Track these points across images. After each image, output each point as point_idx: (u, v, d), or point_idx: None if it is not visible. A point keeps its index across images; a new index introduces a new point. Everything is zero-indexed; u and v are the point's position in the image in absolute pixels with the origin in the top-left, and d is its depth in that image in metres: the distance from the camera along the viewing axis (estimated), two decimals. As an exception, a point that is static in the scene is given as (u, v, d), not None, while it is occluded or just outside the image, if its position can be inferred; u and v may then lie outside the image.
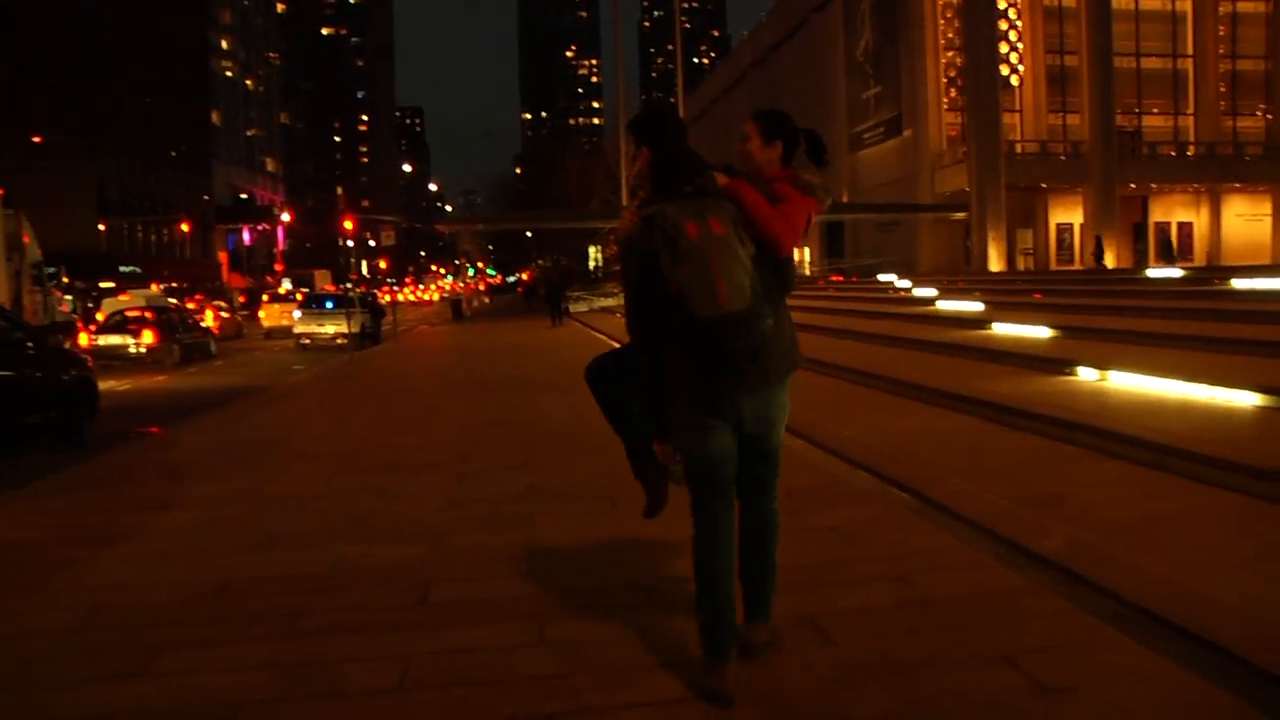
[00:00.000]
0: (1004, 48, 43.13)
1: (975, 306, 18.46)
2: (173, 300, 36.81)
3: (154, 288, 46.32)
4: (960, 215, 42.77)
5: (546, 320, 34.36)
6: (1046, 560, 4.90)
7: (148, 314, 25.92)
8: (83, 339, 24.71)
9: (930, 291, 23.71)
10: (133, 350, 24.16)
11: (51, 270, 25.97)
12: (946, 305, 19.91)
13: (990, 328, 15.13)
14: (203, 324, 30.30)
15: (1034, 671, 3.68)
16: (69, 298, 34.36)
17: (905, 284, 28.81)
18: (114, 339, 24.45)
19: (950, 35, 44.87)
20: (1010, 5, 43.47)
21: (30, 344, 11.06)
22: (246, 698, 3.79)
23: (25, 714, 3.79)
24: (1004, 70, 43.06)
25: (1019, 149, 44.11)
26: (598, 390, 4.48)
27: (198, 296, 53.63)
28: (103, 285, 50.76)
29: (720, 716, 3.46)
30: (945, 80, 45.02)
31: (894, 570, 4.93)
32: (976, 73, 41.38)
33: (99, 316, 29.88)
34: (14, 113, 58.65)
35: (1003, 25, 42.97)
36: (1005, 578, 4.77)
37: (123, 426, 12.77)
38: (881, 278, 35.26)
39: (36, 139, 58.38)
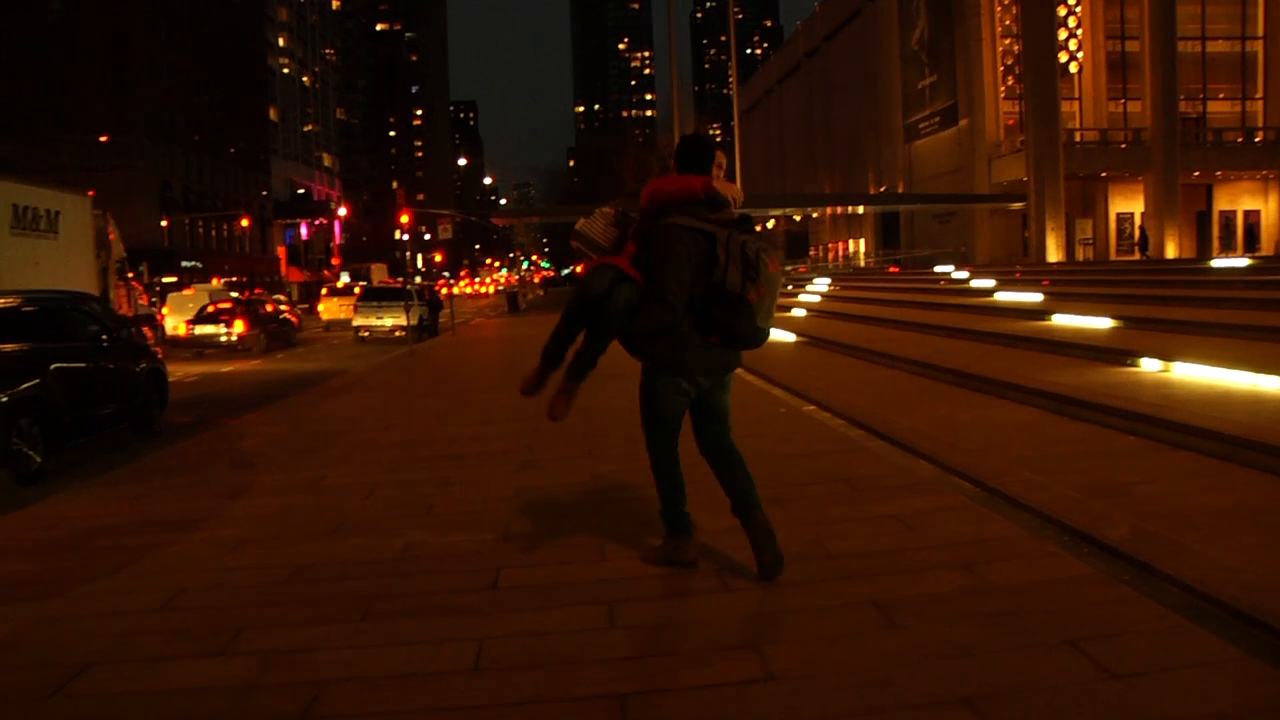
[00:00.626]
0: (1063, 34, 42.47)
1: (1034, 297, 18.27)
2: (280, 295, 38.55)
3: (215, 282, 47.25)
4: (1018, 205, 42.26)
5: None
6: (1113, 549, 4.89)
7: (238, 306, 28.62)
8: (181, 328, 26.95)
9: (988, 282, 23.48)
10: (224, 339, 26.43)
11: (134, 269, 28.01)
12: (1005, 296, 19.72)
13: (1050, 319, 14.98)
14: (286, 316, 32.21)
15: (1101, 658, 3.69)
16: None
17: (962, 275, 28.54)
18: (209, 328, 26.69)
19: (1007, 22, 44.29)
20: (1069, -10, 42.74)
21: (105, 336, 11.37)
22: (328, 676, 3.92)
23: (119, 685, 3.96)
24: (1063, 57, 42.42)
25: (1078, 137, 43.45)
26: (663, 456, 5.27)
27: (257, 290, 54.52)
28: (165, 280, 51.79)
29: (784, 692, 3.54)
30: (1002, 68, 44.46)
31: (958, 558, 4.95)
32: (1034, 60, 40.79)
33: (164, 311, 30.83)
34: (82, 113, 60.00)
35: (1061, 11, 42.28)
36: (1071, 566, 4.78)
37: (197, 415, 13.11)
38: (938, 269, 34.94)
39: (103, 138, 59.71)
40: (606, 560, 5.34)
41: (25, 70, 58.80)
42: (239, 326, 26.73)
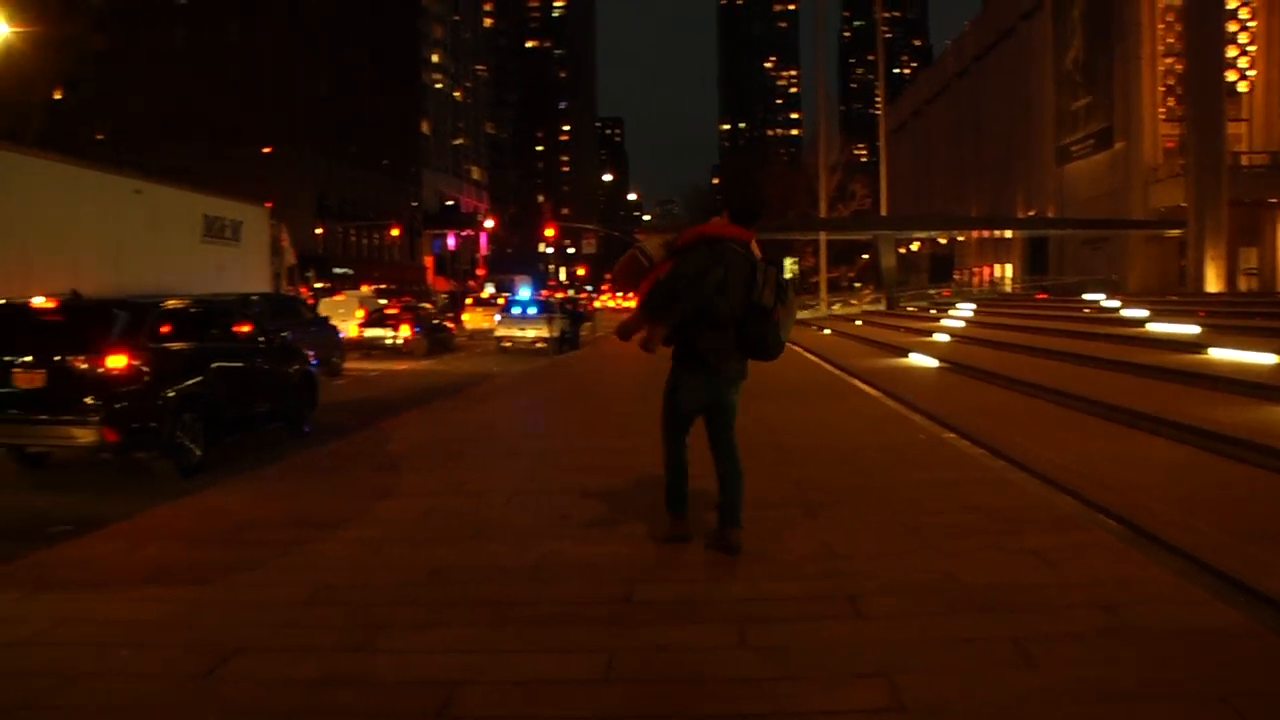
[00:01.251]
0: (1232, 51, 40.44)
1: (1190, 329, 17.46)
2: (427, 304, 42.55)
3: (364, 288, 48.93)
4: (1175, 232, 40.39)
5: None
6: (1271, 599, 4.65)
7: (403, 312, 31.35)
8: (353, 330, 28.81)
9: (1141, 312, 22.54)
10: (389, 341, 28.69)
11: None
12: (1158, 327, 18.90)
13: (1206, 352, 14.29)
14: (446, 323, 34.54)
15: (1254, 717, 3.52)
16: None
17: (1113, 304, 27.47)
18: (377, 331, 29.13)
19: (1170, 40, 42.44)
20: (1242, 4, 40.66)
21: (261, 338, 11.94)
22: (462, 677, 4.04)
23: (266, 673, 4.15)
24: (1231, 76, 40.38)
25: (1245, 161, 41.29)
26: (673, 445, 6.23)
27: (405, 298, 56.32)
28: (317, 286, 53.98)
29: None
30: (1163, 89, 42.64)
31: (1099, 597, 4.79)
32: (1199, 80, 38.95)
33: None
34: (250, 126, 63.20)
35: (1232, 27, 40.26)
36: (1222, 614, 4.57)
37: (348, 417, 13.62)
38: (1087, 296, 33.73)
39: (266, 150, 62.74)
40: (739, 579, 5.35)
41: (204, 85, 62.36)
42: (405, 331, 29.05)
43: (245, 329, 11.83)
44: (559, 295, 51.63)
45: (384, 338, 28.87)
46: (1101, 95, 44.80)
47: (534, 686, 3.95)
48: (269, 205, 26.48)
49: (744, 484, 5.96)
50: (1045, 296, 40.88)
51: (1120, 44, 42.95)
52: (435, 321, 32.87)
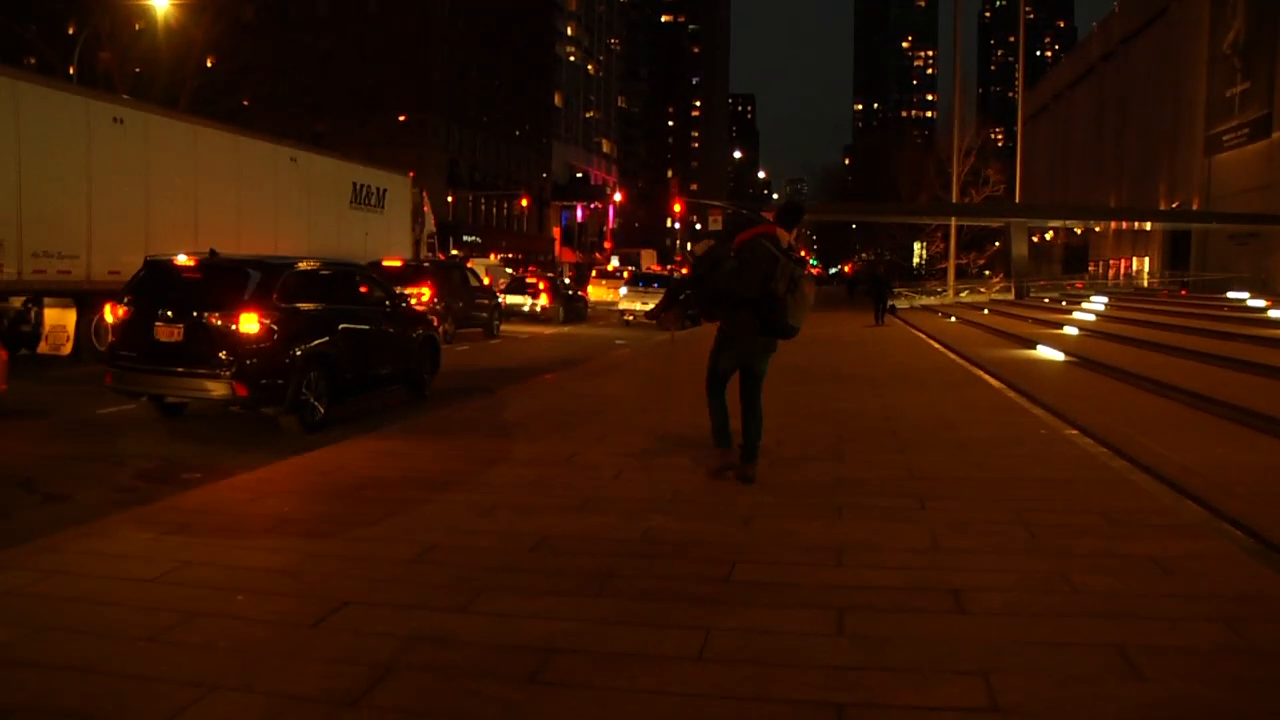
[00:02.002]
0: None
1: (1344, 334, 16.51)
2: (568, 276, 44.53)
3: (492, 258, 49.87)
4: (1335, 230, 38.17)
5: (865, 313, 33.51)
6: None
7: (542, 281, 33.26)
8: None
9: (1290, 313, 21.39)
10: (526, 309, 30.69)
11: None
12: (1308, 330, 17.92)
13: (1361, 359, 13.49)
14: (581, 294, 36.08)
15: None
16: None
17: (1259, 303, 26.14)
18: (516, 298, 30.80)
19: (1347, 20, 39.82)
20: None
21: (388, 302, 12.26)
22: (558, 645, 4.10)
23: (370, 625, 4.29)
24: None
25: None
26: (714, 398, 7.51)
27: (531, 268, 57.15)
28: (453, 253, 55.23)
29: None
30: (1334, 75, 40.14)
31: (1220, 612, 4.57)
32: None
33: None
34: (386, 94, 64.80)
35: None
36: (1357, 639, 4.31)
37: (470, 382, 13.92)
38: (1230, 295, 32.16)
39: (402, 118, 64.24)
40: (843, 566, 5.30)
41: (343, 55, 64.12)
42: (543, 299, 31.14)
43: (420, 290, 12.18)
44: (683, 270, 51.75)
45: (522, 305, 30.69)
46: (1261, 81, 42.44)
47: (627, 660, 3.98)
48: (411, 175, 27.69)
49: (762, 431, 7.40)
50: (1187, 293, 39.10)
51: (1287, 25, 40.56)
52: (571, 292, 34.64)
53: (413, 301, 20.24)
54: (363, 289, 11.90)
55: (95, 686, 3.66)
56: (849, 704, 3.59)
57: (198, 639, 4.12)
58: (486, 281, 31.71)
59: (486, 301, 25.00)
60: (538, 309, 30.81)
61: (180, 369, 9.56)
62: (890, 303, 33.34)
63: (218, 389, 9.46)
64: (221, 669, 3.82)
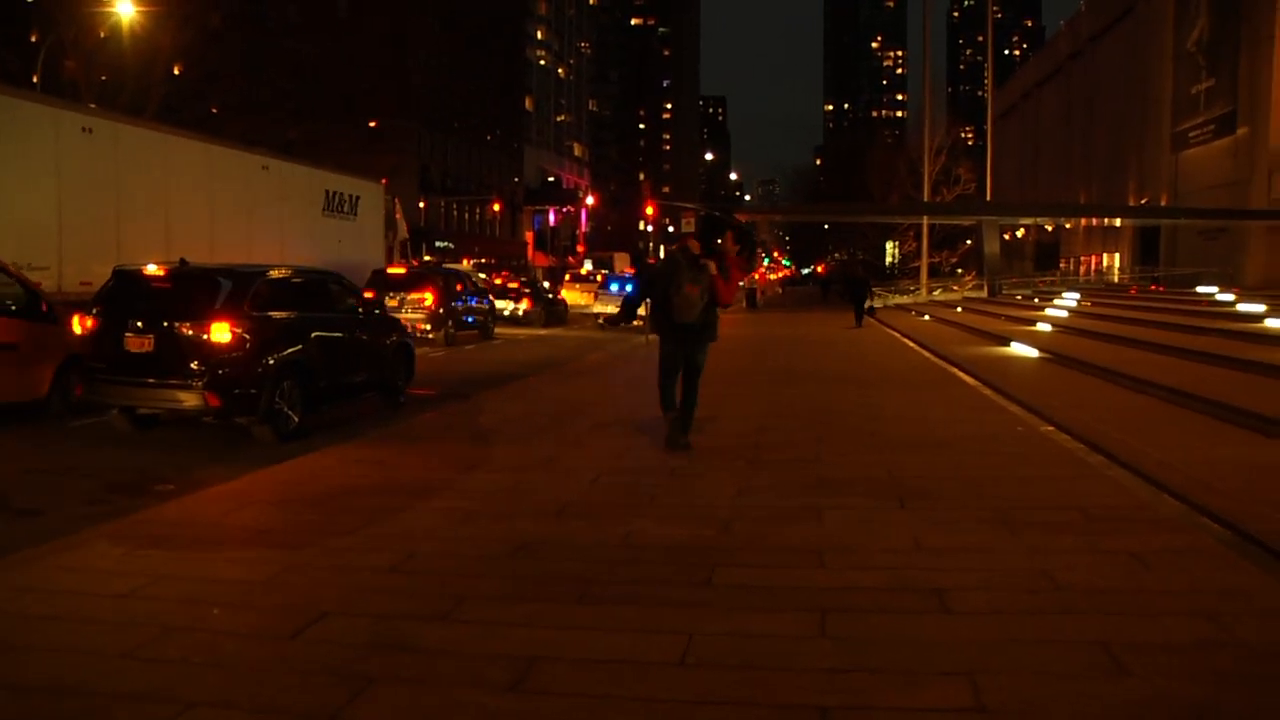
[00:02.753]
0: (1374, 31, 38.26)
1: (1313, 326, 16.69)
2: (546, 281, 45.49)
3: (465, 263, 49.66)
4: (1302, 224, 38.60)
5: (840, 313, 33.43)
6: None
7: (526, 286, 34.81)
8: None
9: (1257, 307, 21.62)
10: (508, 313, 31.16)
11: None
12: (1277, 323, 18.10)
13: (1330, 351, 13.63)
14: (561, 298, 37.45)
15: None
16: None
17: (1227, 298, 26.42)
18: (500, 303, 30.92)
19: (1310, 17, 40.23)
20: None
21: (360, 309, 12.17)
22: (541, 653, 4.06)
23: (350, 636, 4.24)
24: (1372, 58, 38.23)
25: (1381, 150, 39.15)
26: (664, 382, 8.82)
27: (504, 273, 56.99)
28: (426, 259, 54.97)
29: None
30: (1294, 72, 40.60)
31: (1201, 606, 4.58)
32: (1338, 61, 37.00)
33: None
34: (359, 101, 64.47)
35: (1375, 3, 38.04)
36: (1338, 632, 4.33)
37: (444, 389, 13.84)
38: (1200, 289, 32.48)
39: (373, 124, 63.94)
40: (825, 567, 5.28)
41: (314, 61, 63.74)
42: (525, 303, 32.28)
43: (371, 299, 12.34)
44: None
45: (505, 309, 31.30)
46: (1225, 78, 42.92)
47: (611, 666, 3.95)
48: (384, 181, 27.74)
49: (694, 409, 8.89)
50: (1161, 289, 39.43)
51: (1249, 22, 41.02)
52: (550, 296, 35.87)
53: (416, 305, 22.34)
54: (335, 296, 11.81)
55: (70, 706, 3.60)
56: (834, 707, 3.57)
57: (174, 654, 4.05)
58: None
59: (483, 306, 26.08)
60: (520, 313, 31.73)
61: (152, 380, 9.44)
62: (869, 304, 32.35)
63: (190, 400, 9.36)
64: (198, 684, 3.76)
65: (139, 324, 9.46)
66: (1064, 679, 3.78)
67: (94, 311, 9.84)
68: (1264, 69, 40.38)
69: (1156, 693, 3.68)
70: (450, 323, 23.16)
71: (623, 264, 73.00)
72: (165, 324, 9.44)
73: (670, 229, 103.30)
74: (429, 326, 22.33)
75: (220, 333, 9.35)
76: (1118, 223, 53.22)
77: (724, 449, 8.88)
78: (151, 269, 10.06)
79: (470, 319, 24.85)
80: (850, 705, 3.59)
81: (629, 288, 32.71)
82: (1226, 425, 9.75)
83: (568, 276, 51.52)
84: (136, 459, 9.08)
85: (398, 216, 29.77)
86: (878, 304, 40.99)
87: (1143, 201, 50.45)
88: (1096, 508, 6.50)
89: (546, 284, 44.96)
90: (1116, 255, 54.92)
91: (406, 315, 20.74)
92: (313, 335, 10.61)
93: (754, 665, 3.95)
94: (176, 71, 38.67)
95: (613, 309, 31.49)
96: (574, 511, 6.56)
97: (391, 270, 24.45)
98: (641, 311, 30.98)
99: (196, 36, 37.91)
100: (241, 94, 47.20)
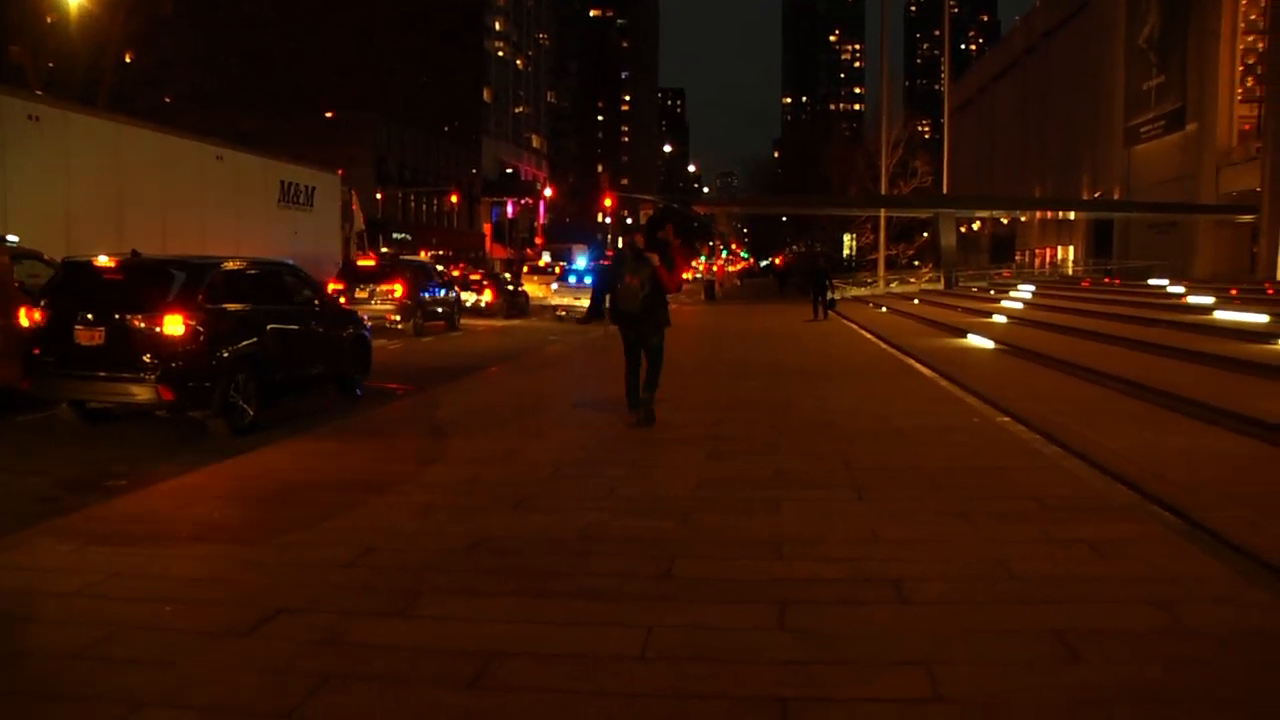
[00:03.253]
0: (1320, 29, 38.95)
1: (1259, 318, 17.00)
2: (508, 274, 45.50)
3: (423, 254, 49.30)
4: (1247, 218, 39.31)
5: (798, 306, 33.08)
6: (1334, 601, 4.49)
7: (489, 278, 35.75)
8: None
9: (1206, 299, 22.01)
10: (471, 304, 31.33)
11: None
12: (1226, 315, 18.42)
13: (1277, 343, 13.90)
14: (523, 289, 37.50)
15: (1313, 723, 3.40)
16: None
17: (1178, 290, 26.86)
18: (464, 294, 31.19)
19: (1253, 17, 41.01)
20: (1335, -23, 39.00)
21: (316, 301, 12.03)
22: (500, 648, 4.03)
23: (306, 634, 4.18)
24: (1317, 56, 38.95)
25: (1326, 146, 39.92)
26: (628, 370, 9.66)
27: (461, 265, 56.62)
28: (383, 250, 54.50)
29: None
30: (1242, 68, 41.30)
31: (1153, 594, 4.65)
32: (1282, 59, 37.69)
33: None
34: (315, 91, 63.77)
35: (1322, 2, 38.74)
36: (1285, 617, 4.41)
37: (405, 380, 13.71)
38: (1152, 281, 32.99)
39: (329, 114, 63.23)
40: (783, 559, 5.30)
41: (270, 51, 62.89)
42: (488, 295, 32.73)
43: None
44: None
45: (468, 300, 31.60)
46: (1175, 74, 43.59)
47: (571, 660, 3.94)
48: (340, 173, 27.57)
49: (655, 388, 9.62)
50: (1117, 281, 39.95)
51: (1198, 19, 41.69)
52: (512, 288, 36.02)
53: (386, 297, 23.00)
54: (291, 288, 11.66)
55: (16, 709, 3.52)
56: (793, 698, 3.58)
57: (124, 654, 3.98)
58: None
59: (449, 297, 26.68)
60: (482, 304, 32.13)
61: (103, 373, 9.27)
62: (830, 296, 29.94)
63: (143, 393, 9.20)
64: (150, 684, 3.70)
65: (89, 316, 9.28)
66: (1020, 668, 3.82)
67: (41, 304, 9.64)
68: (1211, 66, 41.07)
69: (1110, 679, 3.73)
70: (419, 313, 23.69)
71: (581, 256, 72.90)
72: (117, 316, 9.27)
73: (629, 221, 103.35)
74: (398, 317, 22.73)
75: (174, 325, 9.20)
76: (1072, 216, 53.92)
77: (683, 441, 8.90)
78: (102, 260, 9.88)
79: (438, 310, 25.43)
80: (809, 697, 3.60)
81: (588, 279, 32.90)
82: (1177, 415, 9.90)
83: (525, 268, 51.41)
84: (86, 454, 8.92)
85: (354, 208, 29.62)
86: (834, 295, 40.18)
87: (1096, 195, 51.16)
88: (1052, 498, 6.57)
89: (508, 275, 44.98)
90: (1071, 248, 55.67)
91: (377, 306, 22.08)
92: (268, 327, 10.47)
93: (714, 658, 3.95)
94: (128, 59, 37.96)
95: (570, 300, 31.59)
96: (534, 505, 6.54)
97: (362, 262, 25.17)
98: (569, 301, 31.23)
99: (147, 24, 37.23)
100: (195, 84, 46.56)
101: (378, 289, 23.03)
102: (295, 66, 63.55)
